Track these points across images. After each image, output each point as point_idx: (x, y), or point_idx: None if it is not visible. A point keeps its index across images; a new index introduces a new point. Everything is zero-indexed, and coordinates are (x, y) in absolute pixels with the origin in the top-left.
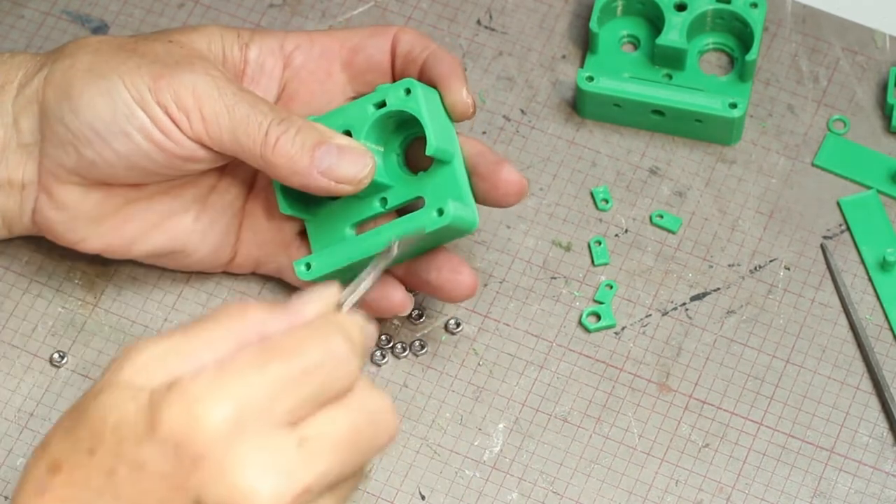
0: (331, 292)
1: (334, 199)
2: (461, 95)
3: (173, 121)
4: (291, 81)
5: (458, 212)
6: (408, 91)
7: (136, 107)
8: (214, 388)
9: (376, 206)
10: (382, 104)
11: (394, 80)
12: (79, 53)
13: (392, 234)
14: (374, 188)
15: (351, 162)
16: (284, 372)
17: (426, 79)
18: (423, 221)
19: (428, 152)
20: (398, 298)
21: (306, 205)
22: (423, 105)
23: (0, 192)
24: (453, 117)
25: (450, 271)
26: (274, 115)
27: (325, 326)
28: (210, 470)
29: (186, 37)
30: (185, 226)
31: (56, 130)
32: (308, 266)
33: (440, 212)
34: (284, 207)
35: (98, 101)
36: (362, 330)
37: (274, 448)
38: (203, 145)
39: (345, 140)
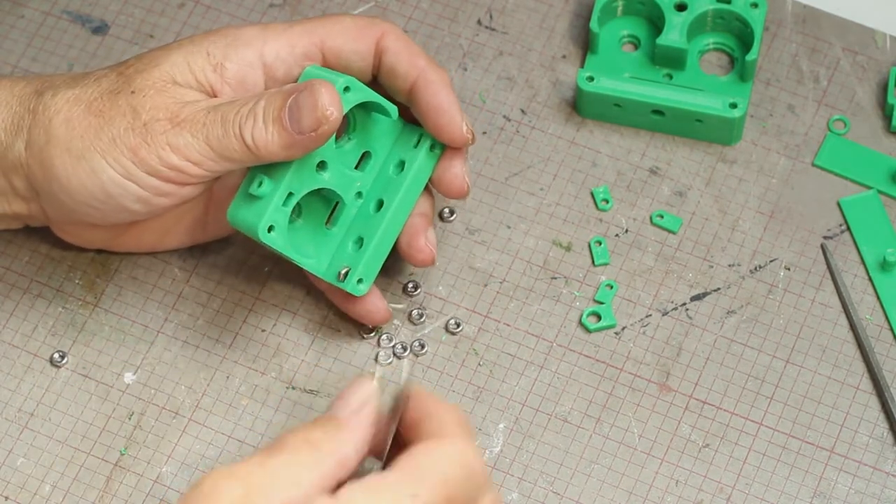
0: (368, 389)
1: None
2: (461, 130)
3: (169, 180)
4: None
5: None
6: (346, 89)
7: (127, 181)
8: None
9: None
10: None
11: (373, 79)
12: (52, 125)
13: (399, 197)
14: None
15: (309, 109)
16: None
17: (420, 107)
18: (425, 168)
19: (394, 117)
20: (382, 309)
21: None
22: (366, 89)
23: (9, 213)
24: (453, 146)
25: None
26: (238, 114)
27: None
28: None
29: (149, 79)
30: (196, 217)
31: (52, 203)
32: (360, 281)
33: (432, 147)
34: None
35: (87, 182)
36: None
37: None
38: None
39: (298, 86)
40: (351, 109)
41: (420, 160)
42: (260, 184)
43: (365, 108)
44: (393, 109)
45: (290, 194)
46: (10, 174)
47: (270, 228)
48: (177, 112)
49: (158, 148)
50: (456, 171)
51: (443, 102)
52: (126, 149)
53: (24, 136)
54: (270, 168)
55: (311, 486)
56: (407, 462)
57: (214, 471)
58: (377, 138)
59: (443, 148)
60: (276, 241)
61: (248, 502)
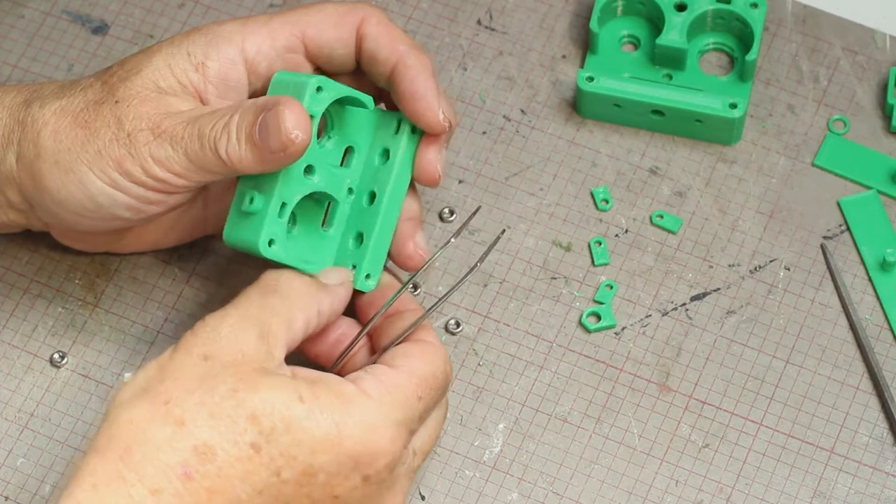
0: (349, 274)
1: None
2: (438, 117)
3: (155, 190)
4: (259, 91)
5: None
6: (319, 89)
7: (115, 191)
8: (387, 417)
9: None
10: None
11: (357, 66)
12: (40, 137)
13: (391, 186)
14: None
15: (274, 131)
16: (427, 399)
17: (398, 93)
18: (410, 152)
19: (371, 108)
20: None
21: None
22: (338, 85)
23: (7, 222)
24: (431, 132)
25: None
26: (213, 129)
27: (435, 351)
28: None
29: (132, 87)
30: (195, 215)
31: (47, 213)
32: (368, 276)
33: (412, 130)
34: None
35: (77, 194)
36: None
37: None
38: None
39: (269, 102)
40: (327, 107)
41: (403, 146)
42: (251, 200)
43: (340, 102)
44: (369, 101)
45: (284, 205)
46: (3, 187)
47: (271, 242)
48: (158, 122)
49: (142, 160)
50: (430, 157)
51: (419, 88)
52: (112, 160)
53: (15, 148)
54: (259, 181)
55: (299, 329)
56: (410, 364)
57: (226, 313)
58: (357, 131)
59: (423, 131)
60: (279, 255)
61: (265, 345)
